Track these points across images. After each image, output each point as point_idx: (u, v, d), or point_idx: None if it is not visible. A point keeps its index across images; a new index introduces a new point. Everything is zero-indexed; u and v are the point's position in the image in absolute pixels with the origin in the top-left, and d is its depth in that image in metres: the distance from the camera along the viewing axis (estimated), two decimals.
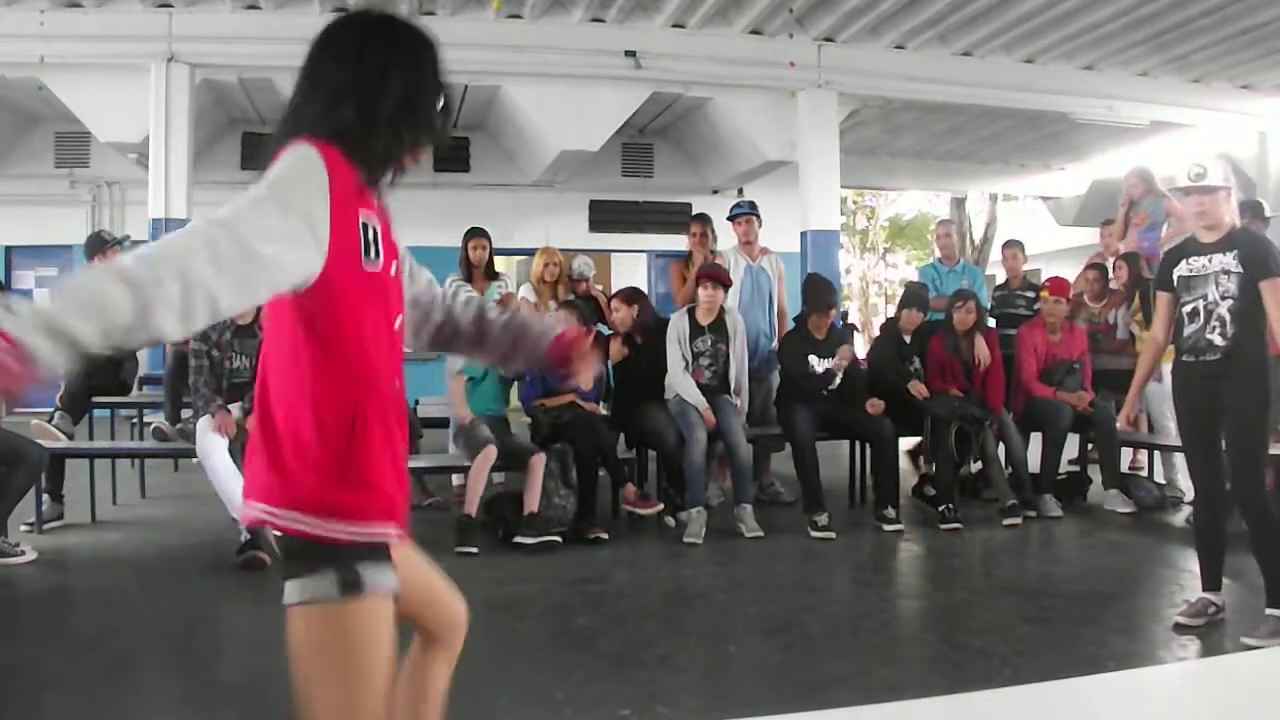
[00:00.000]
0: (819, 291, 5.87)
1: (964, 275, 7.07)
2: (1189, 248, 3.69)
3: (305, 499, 1.40)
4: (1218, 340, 3.54)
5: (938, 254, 7.48)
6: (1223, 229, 3.58)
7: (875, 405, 5.65)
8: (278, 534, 1.43)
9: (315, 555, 1.41)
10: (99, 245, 5.96)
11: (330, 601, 1.40)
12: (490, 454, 5.03)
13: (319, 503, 1.40)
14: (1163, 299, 3.80)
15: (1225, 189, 3.54)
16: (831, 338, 5.82)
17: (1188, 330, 3.63)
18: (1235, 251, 3.52)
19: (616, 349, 5.75)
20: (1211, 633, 3.50)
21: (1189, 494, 5.91)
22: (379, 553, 1.44)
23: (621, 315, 5.79)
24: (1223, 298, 3.53)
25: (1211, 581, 3.64)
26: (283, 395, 1.44)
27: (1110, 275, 6.87)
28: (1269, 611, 3.40)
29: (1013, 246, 7.31)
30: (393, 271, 1.53)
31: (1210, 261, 3.57)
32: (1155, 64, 9.82)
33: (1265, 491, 3.53)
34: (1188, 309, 3.63)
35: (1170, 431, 6.09)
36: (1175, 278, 3.68)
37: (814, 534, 5.27)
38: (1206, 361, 3.57)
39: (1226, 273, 3.52)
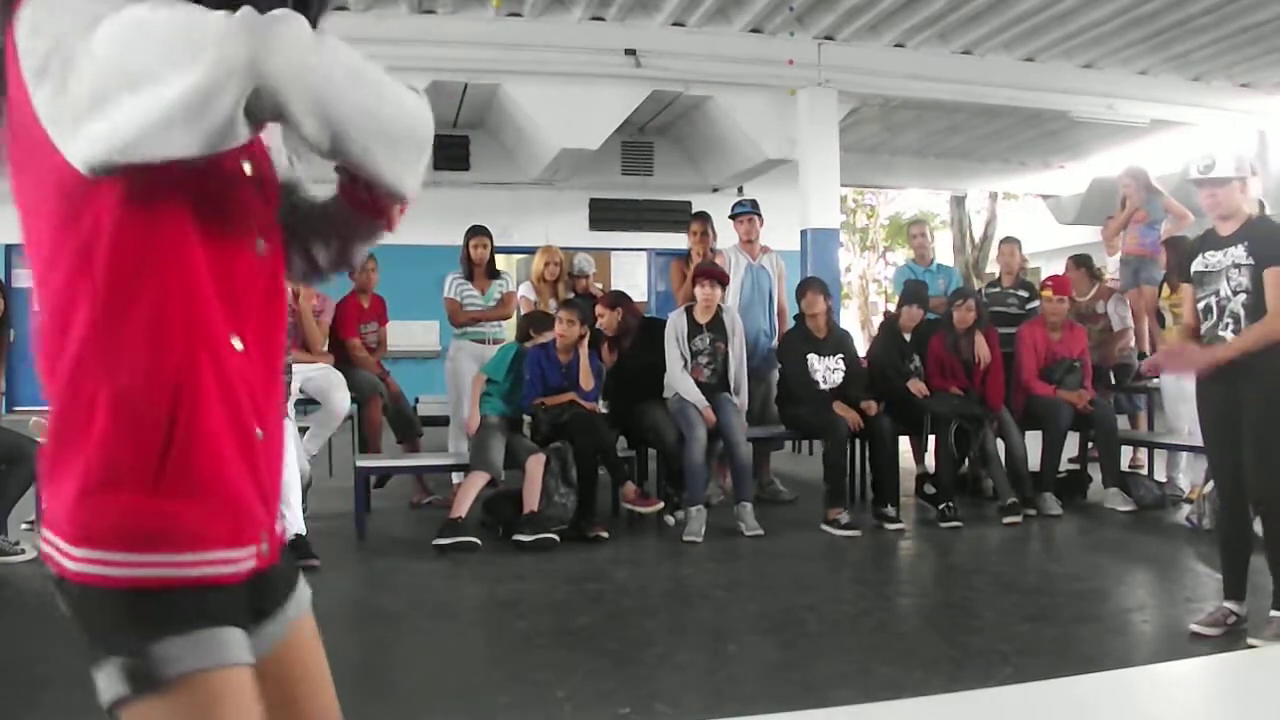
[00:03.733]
0: (807, 284, 5.96)
1: (939, 275, 7.06)
2: (1208, 240, 3.53)
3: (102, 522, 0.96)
4: (1229, 338, 3.38)
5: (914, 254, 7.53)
6: (1239, 220, 3.42)
7: (869, 407, 5.63)
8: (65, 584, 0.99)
9: (116, 616, 0.97)
10: None
11: (133, 701, 0.98)
12: (480, 479, 5.04)
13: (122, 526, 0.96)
14: (1185, 291, 3.67)
15: (1239, 179, 3.39)
16: (832, 337, 5.82)
17: (1204, 328, 3.48)
18: (1246, 244, 3.36)
19: (605, 353, 5.76)
20: (1222, 639, 3.41)
21: (1188, 492, 5.93)
22: (209, 605, 0.98)
23: (606, 320, 5.79)
24: (1235, 292, 3.37)
25: (1235, 590, 3.46)
26: (64, 364, 0.97)
27: (1094, 268, 6.96)
28: (1273, 613, 3.33)
29: (1009, 243, 7.18)
30: (247, 169, 1.06)
31: (1224, 255, 3.41)
32: (1155, 62, 9.81)
33: None
34: (1202, 305, 3.48)
35: (1180, 431, 6.09)
36: (1192, 271, 3.53)
37: (836, 532, 5.27)
38: None
39: (1238, 266, 3.37)
